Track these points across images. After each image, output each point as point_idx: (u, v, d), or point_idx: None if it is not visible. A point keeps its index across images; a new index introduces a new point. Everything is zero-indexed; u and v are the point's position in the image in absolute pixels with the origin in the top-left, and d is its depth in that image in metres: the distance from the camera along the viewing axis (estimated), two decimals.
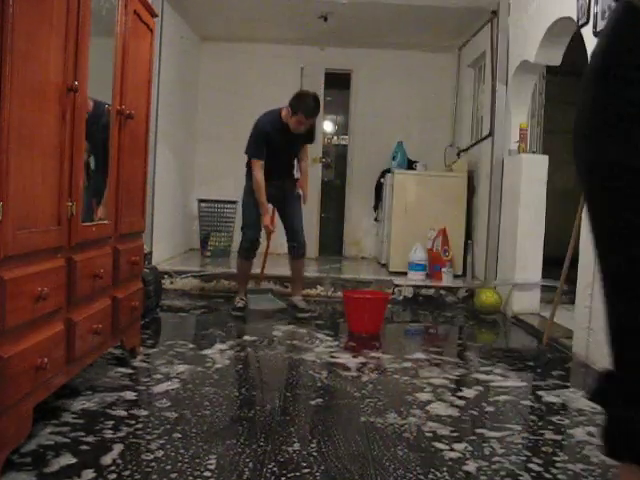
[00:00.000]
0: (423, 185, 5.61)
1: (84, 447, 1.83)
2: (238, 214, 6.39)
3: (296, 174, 4.24)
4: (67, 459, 1.74)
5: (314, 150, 6.31)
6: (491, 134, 5.04)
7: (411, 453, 1.91)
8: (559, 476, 1.80)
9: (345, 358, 3.06)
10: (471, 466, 1.84)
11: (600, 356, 3.01)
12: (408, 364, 2.97)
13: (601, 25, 3.11)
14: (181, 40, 5.91)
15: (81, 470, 1.68)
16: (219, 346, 3.16)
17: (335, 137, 7.30)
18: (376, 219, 6.68)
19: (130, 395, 2.33)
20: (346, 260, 6.64)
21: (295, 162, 4.22)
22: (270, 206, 4.06)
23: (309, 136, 4.06)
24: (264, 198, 3.91)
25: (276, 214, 4.16)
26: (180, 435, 1.97)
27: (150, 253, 4.68)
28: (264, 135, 3.90)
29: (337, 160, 7.19)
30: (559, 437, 2.13)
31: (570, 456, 1.95)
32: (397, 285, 4.87)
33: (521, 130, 4.45)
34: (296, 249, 4.09)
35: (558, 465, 1.88)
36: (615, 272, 0.77)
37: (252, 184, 3.94)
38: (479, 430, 2.14)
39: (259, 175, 3.89)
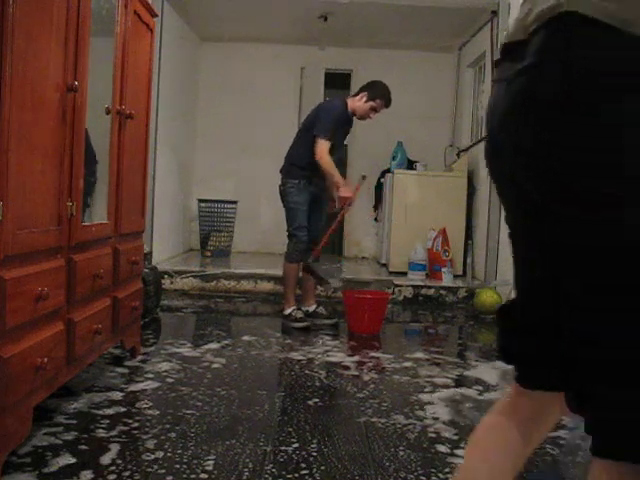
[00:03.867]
0: (423, 185, 5.61)
1: (82, 447, 1.83)
2: (238, 214, 6.42)
3: None
4: (66, 459, 1.74)
5: None
6: None
7: (412, 453, 1.91)
8: (557, 475, 1.80)
9: (345, 358, 3.06)
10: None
11: None
12: (408, 364, 2.97)
13: None
14: (181, 40, 5.91)
15: (81, 470, 1.68)
16: (218, 346, 3.16)
17: None
18: (376, 219, 6.68)
19: (128, 395, 2.33)
20: (346, 260, 6.64)
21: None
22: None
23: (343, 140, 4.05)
24: (336, 170, 3.72)
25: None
26: (179, 435, 1.97)
27: (150, 253, 4.68)
28: (340, 118, 3.77)
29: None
30: (559, 437, 2.12)
31: (572, 456, 1.95)
32: (397, 285, 4.87)
33: None
34: (314, 253, 3.89)
35: (560, 465, 1.87)
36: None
37: (305, 174, 3.76)
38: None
39: (327, 156, 3.68)
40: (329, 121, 3.71)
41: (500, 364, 3.04)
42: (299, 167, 3.80)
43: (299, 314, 3.79)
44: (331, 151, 3.78)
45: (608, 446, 0.83)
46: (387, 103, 3.81)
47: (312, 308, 3.95)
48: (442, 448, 1.96)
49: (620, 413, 0.81)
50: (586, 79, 0.79)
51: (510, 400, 1.06)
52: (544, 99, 0.81)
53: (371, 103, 3.75)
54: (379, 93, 3.78)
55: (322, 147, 3.69)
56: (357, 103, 3.78)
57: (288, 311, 3.84)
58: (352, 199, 3.78)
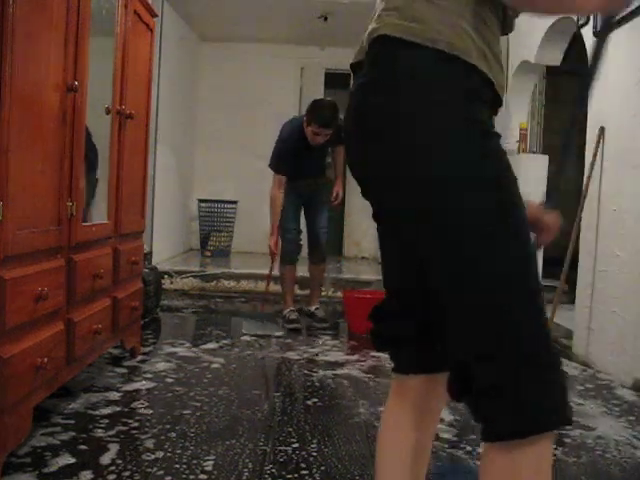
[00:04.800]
0: None
1: (82, 447, 1.83)
2: (238, 214, 6.42)
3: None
4: (66, 459, 1.74)
5: None
6: None
7: None
8: (558, 474, 1.80)
9: (345, 357, 3.06)
10: (472, 466, 1.84)
11: (600, 356, 3.01)
12: None
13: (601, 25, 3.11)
14: (181, 40, 5.91)
15: (80, 470, 1.68)
16: (218, 346, 3.16)
17: None
18: None
19: (126, 395, 2.33)
20: (346, 260, 6.64)
21: (328, 160, 3.94)
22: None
23: (338, 138, 3.65)
24: (277, 219, 3.64)
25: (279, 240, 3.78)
26: (178, 435, 1.97)
27: (150, 253, 4.68)
28: (286, 149, 3.61)
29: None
30: (558, 436, 2.12)
31: (569, 455, 1.95)
32: None
33: (521, 130, 4.45)
34: (316, 253, 3.85)
35: (559, 465, 1.87)
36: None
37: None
38: (479, 429, 2.14)
39: (276, 192, 3.61)
40: (273, 156, 3.65)
41: None
42: None
43: (292, 315, 3.77)
44: (303, 162, 3.65)
45: (497, 429, 0.88)
46: (321, 123, 3.45)
47: (312, 308, 3.93)
48: (441, 446, 1.95)
49: (496, 387, 0.86)
50: (390, 91, 0.90)
51: (395, 393, 1.12)
52: (365, 112, 0.94)
53: (309, 128, 3.51)
54: (310, 116, 3.49)
55: (273, 182, 3.63)
56: (305, 129, 3.55)
57: (284, 312, 3.85)
58: (274, 251, 3.70)
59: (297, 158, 3.62)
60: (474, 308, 0.87)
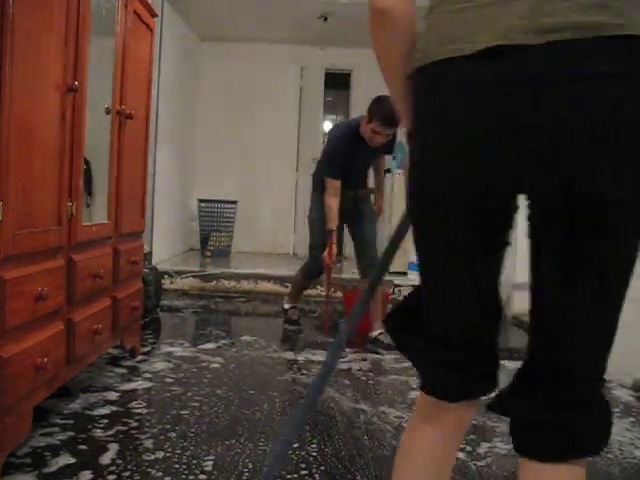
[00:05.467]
0: None
1: (81, 447, 1.83)
2: (238, 214, 6.41)
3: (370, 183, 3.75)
4: (66, 459, 1.74)
5: (312, 150, 6.32)
6: None
7: None
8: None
9: (345, 358, 3.05)
10: (472, 466, 1.84)
11: None
12: (408, 364, 2.96)
13: None
14: (181, 40, 5.91)
15: (80, 470, 1.68)
16: (218, 346, 3.16)
17: None
18: None
19: (126, 395, 2.33)
20: (346, 260, 6.63)
21: (370, 171, 3.70)
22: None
23: (389, 146, 3.48)
24: (334, 225, 3.39)
25: (334, 248, 3.53)
26: (178, 435, 1.97)
27: (150, 253, 4.68)
28: (337, 151, 3.38)
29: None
30: None
31: None
32: (397, 285, 4.87)
33: None
34: (368, 268, 3.47)
35: None
36: None
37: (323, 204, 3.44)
38: (480, 430, 2.14)
39: (333, 200, 3.35)
40: (326, 163, 3.44)
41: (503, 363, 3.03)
42: (316, 181, 3.59)
43: (295, 315, 3.74)
44: (349, 171, 3.42)
45: (589, 444, 0.90)
46: (384, 121, 3.17)
47: (374, 334, 3.41)
48: None
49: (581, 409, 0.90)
50: None
51: (432, 409, 1.07)
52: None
53: (370, 125, 3.24)
54: (373, 112, 3.22)
55: (328, 188, 3.39)
56: (363, 127, 3.32)
57: (287, 306, 3.82)
58: (330, 263, 3.50)
59: (347, 161, 3.40)
60: (611, 325, 0.98)
